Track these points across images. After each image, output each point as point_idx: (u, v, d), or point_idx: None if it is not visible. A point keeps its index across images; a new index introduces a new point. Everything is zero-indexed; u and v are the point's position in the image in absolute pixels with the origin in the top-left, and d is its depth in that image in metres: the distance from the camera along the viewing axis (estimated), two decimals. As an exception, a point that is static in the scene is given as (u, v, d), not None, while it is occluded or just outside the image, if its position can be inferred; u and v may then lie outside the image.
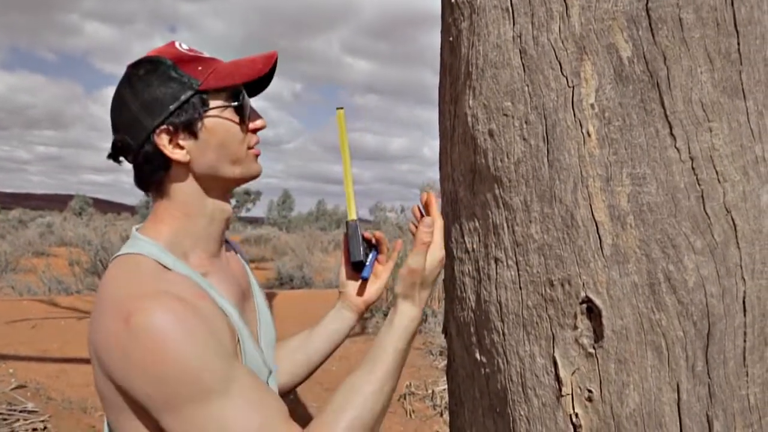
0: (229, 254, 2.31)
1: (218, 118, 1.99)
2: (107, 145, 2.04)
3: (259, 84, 2.17)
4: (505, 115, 1.79)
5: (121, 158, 2.06)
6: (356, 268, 2.48)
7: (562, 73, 1.71)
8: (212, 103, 1.98)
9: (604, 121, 1.67)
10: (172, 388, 1.67)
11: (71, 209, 77.67)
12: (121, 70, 2.06)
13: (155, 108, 1.95)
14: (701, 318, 1.65)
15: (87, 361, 8.85)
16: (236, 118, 2.01)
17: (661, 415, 1.66)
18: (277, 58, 2.05)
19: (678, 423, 1.66)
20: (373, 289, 2.53)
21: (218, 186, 2.07)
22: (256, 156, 2.11)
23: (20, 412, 6.99)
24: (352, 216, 2.39)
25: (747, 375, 1.71)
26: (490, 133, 1.82)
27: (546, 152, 1.72)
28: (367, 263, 2.40)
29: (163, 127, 1.95)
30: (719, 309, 1.66)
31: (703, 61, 1.66)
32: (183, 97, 1.95)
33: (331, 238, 41.95)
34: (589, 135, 1.68)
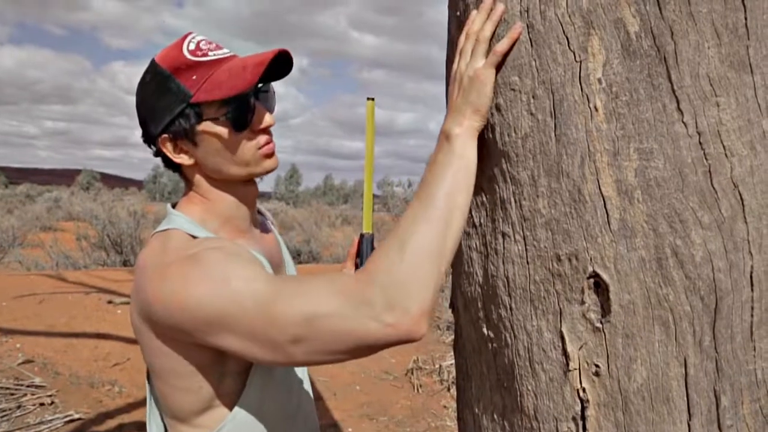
0: (263, 226, 2.39)
1: (213, 128, 2.02)
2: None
3: (276, 71, 2.14)
4: (513, 89, 1.79)
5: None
6: None
7: (570, 48, 1.71)
8: (206, 113, 2.01)
9: (611, 95, 1.67)
10: (222, 303, 1.77)
11: (79, 184, 77.84)
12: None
13: (155, 117, 2.04)
14: (708, 293, 1.65)
15: (94, 336, 8.89)
16: (230, 128, 2.02)
17: (668, 390, 1.66)
18: (277, 57, 2.04)
19: (685, 398, 1.67)
20: None
21: (232, 181, 2.12)
22: (267, 155, 2.11)
23: (27, 386, 7.03)
24: (368, 228, 2.38)
25: (754, 350, 1.71)
26: (498, 108, 1.82)
27: (553, 127, 1.72)
28: None
29: (164, 135, 2.03)
30: (726, 284, 1.66)
31: (711, 36, 1.66)
32: (177, 110, 2.00)
33: (338, 212, 41.98)
34: (596, 110, 1.68)
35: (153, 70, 2.05)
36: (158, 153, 2.11)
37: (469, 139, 1.85)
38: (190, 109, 1.99)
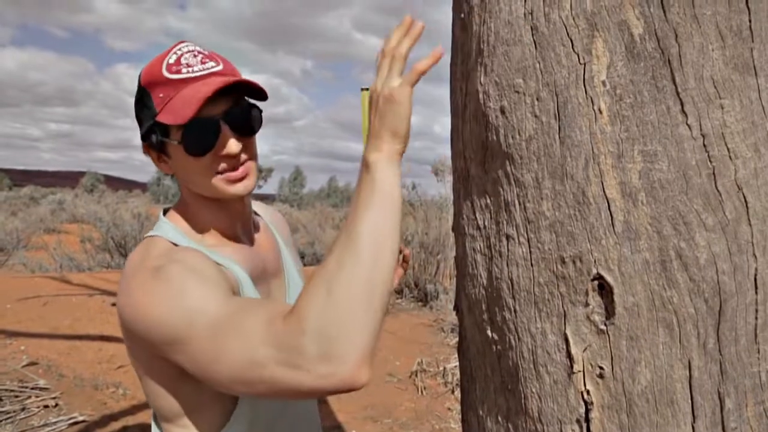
0: (260, 234, 2.39)
1: (174, 149, 2.05)
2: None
3: (251, 92, 2.14)
4: (517, 92, 1.79)
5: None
6: None
7: (574, 50, 1.71)
8: (170, 133, 2.04)
9: (615, 98, 1.67)
10: (173, 327, 1.79)
11: (83, 186, 77.99)
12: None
13: (139, 124, 2.11)
14: (713, 295, 1.65)
15: (98, 338, 8.90)
16: (186, 152, 2.02)
17: (672, 392, 1.66)
18: (226, 86, 2.00)
19: (689, 400, 1.66)
20: None
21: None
22: (231, 180, 2.09)
23: (32, 389, 7.03)
24: None
25: (758, 352, 1.71)
26: (502, 110, 1.82)
27: (557, 129, 1.72)
28: None
29: (146, 143, 2.10)
30: (731, 286, 1.66)
31: (715, 38, 1.66)
32: (147, 124, 2.06)
33: (342, 215, 41.97)
34: (600, 112, 1.68)
35: (138, 80, 2.10)
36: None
37: (389, 166, 1.75)
38: (157, 127, 2.03)
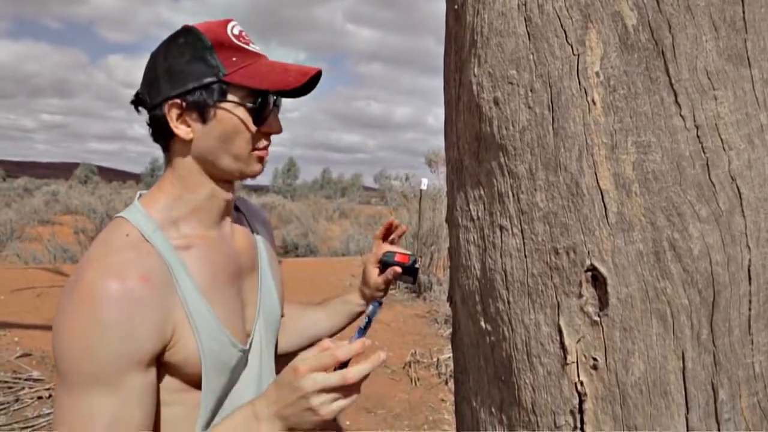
0: (237, 227, 2.35)
1: (230, 112, 2.03)
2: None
3: (295, 90, 2.17)
4: (510, 83, 1.78)
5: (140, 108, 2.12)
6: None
7: (567, 41, 1.70)
8: (230, 96, 2.02)
9: (609, 89, 1.66)
10: (67, 359, 1.88)
11: (77, 177, 77.89)
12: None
13: (177, 79, 2.01)
14: (706, 286, 1.65)
15: (93, 330, 8.92)
16: (248, 118, 2.04)
17: (666, 383, 1.66)
18: (316, 75, 2.07)
19: (683, 391, 1.66)
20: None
21: (216, 172, 2.11)
22: (261, 158, 2.14)
23: (25, 380, 7.03)
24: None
25: (752, 343, 1.71)
26: (495, 101, 1.82)
27: (551, 120, 1.72)
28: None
29: (177, 100, 2.00)
30: (724, 277, 1.66)
31: (708, 29, 1.66)
32: (205, 81, 2.00)
33: (336, 206, 41.99)
34: (594, 103, 1.67)
35: (193, 36, 2.04)
36: (151, 118, 2.08)
37: None
38: (218, 85, 2.00)
